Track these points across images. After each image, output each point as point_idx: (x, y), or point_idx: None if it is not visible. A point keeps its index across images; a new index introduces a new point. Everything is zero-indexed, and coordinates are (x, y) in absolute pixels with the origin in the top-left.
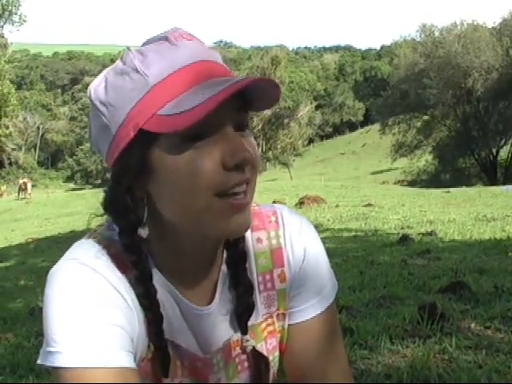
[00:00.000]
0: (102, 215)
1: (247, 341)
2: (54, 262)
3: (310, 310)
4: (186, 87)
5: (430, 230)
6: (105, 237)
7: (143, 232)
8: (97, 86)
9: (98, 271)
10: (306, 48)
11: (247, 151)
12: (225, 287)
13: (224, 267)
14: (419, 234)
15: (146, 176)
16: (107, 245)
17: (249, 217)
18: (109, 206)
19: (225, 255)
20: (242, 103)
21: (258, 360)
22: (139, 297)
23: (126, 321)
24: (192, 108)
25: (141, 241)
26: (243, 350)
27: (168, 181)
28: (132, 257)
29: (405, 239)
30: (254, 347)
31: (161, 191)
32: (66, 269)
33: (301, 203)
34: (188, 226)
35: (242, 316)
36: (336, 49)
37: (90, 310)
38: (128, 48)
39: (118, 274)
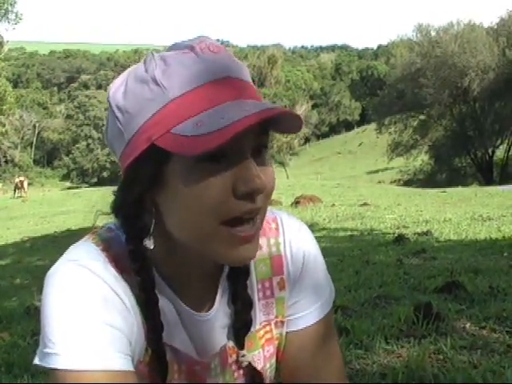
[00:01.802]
0: (108, 214)
1: (243, 356)
2: (50, 260)
3: (308, 317)
4: (205, 106)
5: (425, 230)
6: (104, 238)
7: (149, 243)
8: (116, 90)
9: (97, 273)
10: (302, 47)
11: (260, 180)
12: (224, 299)
13: (225, 281)
14: (415, 233)
15: (157, 189)
16: (106, 247)
17: (255, 246)
18: (118, 210)
19: (227, 268)
20: (263, 127)
21: (252, 374)
22: (140, 304)
23: (124, 323)
24: (209, 133)
25: (145, 249)
26: (239, 365)
27: (177, 200)
28: (135, 264)
29: (400, 239)
30: (249, 363)
31: (169, 207)
32: (64, 270)
33: (297, 202)
34: (192, 245)
35: (239, 331)
36: (333, 48)
37: (88, 312)
38: (152, 53)
39: (117, 275)
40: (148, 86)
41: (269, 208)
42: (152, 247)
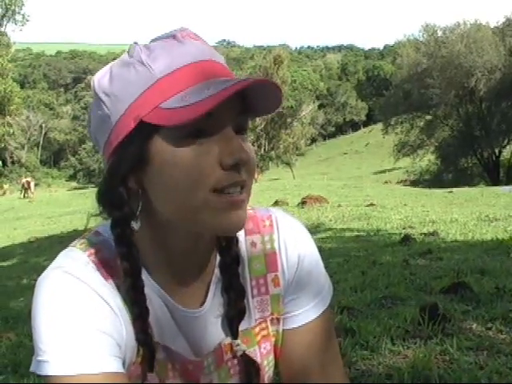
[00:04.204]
0: (99, 214)
1: (238, 345)
2: None
3: (305, 314)
4: (190, 83)
5: (432, 230)
6: (91, 243)
7: (136, 225)
8: (101, 77)
9: (83, 280)
10: (308, 47)
11: (245, 153)
12: (217, 291)
13: (217, 271)
14: (421, 234)
15: (143, 168)
16: (93, 251)
17: (245, 214)
18: (103, 197)
19: (218, 259)
20: (243, 107)
21: (248, 365)
22: (127, 293)
23: (112, 327)
24: (196, 102)
25: (132, 233)
26: (234, 355)
27: (165, 174)
28: (122, 248)
29: (407, 239)
30: (244, 352)
31: (156, 185)
32: (50, 278)
33: (303, 203)
34: (182, 221)
35: (233, 321)
36: (339, 48)
37: (76, 318)
38: (135, 42)
39: (103, 281)
40: (134, 67)
41: (264, 207)
42: (137, 228)
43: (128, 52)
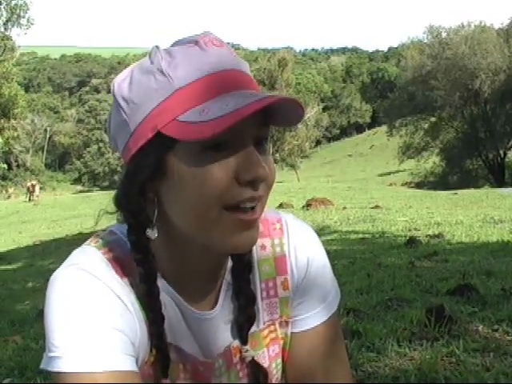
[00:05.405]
0: (111, 213)
1: (246, 351)
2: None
3: (313, 318)
4: (210, 95)
5: (437, 232)
6: (106, 241)
7: (151, 233)
8: (121, 82)
9: (97, 276)
10: (313, 50)
11: (263, 168)
12: (227, 296)
13: (228, 276)
14: (427, 236)
15: (160, 178)
16: (108, 250)
17: (256, 233)
18: (120, 202)
19: (230, 264)
20: (264, 119)
21: (256, 370)
22: (142, 297)
23: (126, 325)
24: (215, 118)
25: (148, 240)
26: (242, 360)
27: (180, 187)
28: (138, 255)
29: (412, 241)
30: (253, 358)
31: (172, 196)
32: (65, 275)
33: (308, 205)
34: (194, 234)
35: (242, 326)
36: (343, 51)
37: (89, 315)
38: (157, 47)
39: (118, 278)
40: (154, 76)
41: (274, 210)
42: (154, 237)
43: (149, 57)
